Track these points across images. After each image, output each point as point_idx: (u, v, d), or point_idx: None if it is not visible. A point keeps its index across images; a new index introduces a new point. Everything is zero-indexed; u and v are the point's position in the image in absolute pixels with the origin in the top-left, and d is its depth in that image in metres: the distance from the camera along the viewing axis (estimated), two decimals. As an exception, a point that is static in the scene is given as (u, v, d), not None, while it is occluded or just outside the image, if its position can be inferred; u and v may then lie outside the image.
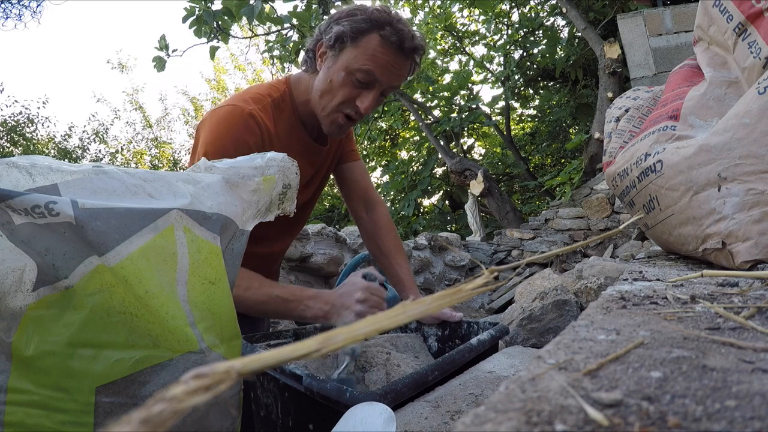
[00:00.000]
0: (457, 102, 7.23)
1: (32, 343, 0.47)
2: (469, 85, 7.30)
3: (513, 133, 8.51)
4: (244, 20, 4.09)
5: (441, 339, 1.06)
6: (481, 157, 9.64)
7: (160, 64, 4.13)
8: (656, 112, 0.88)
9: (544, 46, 6.52)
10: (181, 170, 0.71)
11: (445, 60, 8.14)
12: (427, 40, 7.26)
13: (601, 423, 0.19)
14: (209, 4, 4.00)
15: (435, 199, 8.47)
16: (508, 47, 6.86)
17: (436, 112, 7.16)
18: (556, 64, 6.12)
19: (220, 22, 4.06)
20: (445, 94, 7.09)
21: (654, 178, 0.77)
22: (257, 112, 0.93)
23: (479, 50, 11.36)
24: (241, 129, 0.90)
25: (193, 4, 3.95)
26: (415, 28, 0.99)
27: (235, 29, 4.67)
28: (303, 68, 1.02)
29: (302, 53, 1.05)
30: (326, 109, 0.96)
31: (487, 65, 7.51)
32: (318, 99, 0.96)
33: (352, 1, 4.46)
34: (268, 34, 5.14)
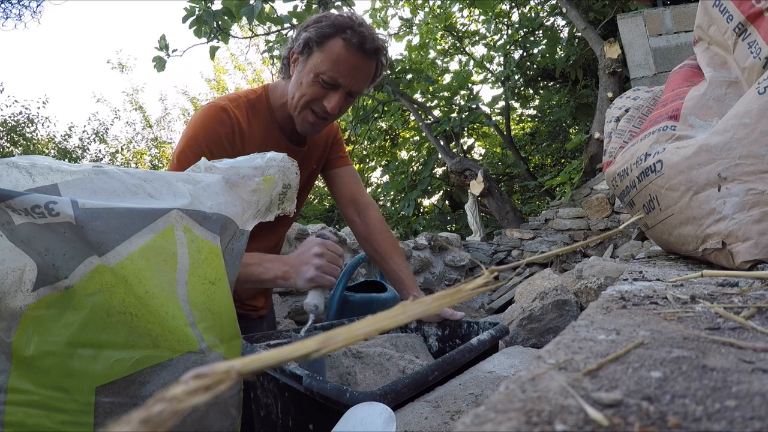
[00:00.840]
0: (457, 102, 7.23)
1: (32, 343, 0.47)
2: (469, 85, 7.30)
3: (513, 133, 8.51)
4: (244, 20, 4.09)
5: (441, 339, 1.06)
6: (481, 157, 9.64)
7: (160, 64, 4.13)
8: (656, 112, 0.88)
9: (544, 46, 6.52)
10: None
11: (445, 60, 8.14)
12: (427, 40, 7.26)
13: (601, 423, 0.19)
14: (209, 4, 4.00)
15: (435, 199, 8.47)
16: (508, 47, 6.85)
17: (436, 112, 7.15)
18: (556, 64, 6.12)
19: (220, 22, 4.06)
20: (445, 94, 7.09)
21: (654, 178, 0.77)
22: (230, 107, 1.02)
23: (479, 50, 11.35)
24: (213, 121, 0.98)
25: (193, 4, 3.95)
26: (383, 32, 1.04)
27: (235, 29, 4.67)
28: (280, 76, 1.10)
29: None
30: (297, 108, 1.02)
31: (487, 65, 7.51)
32: (290, 100, 1.03)
33: (352, 1, 4.46)
34: (268, 34, 5.14)
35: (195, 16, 3.97)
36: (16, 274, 0.47)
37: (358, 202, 1.26)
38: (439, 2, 7.20)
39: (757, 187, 0.60)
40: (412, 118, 7.47)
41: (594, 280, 1.76)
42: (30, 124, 11.52)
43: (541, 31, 6.80)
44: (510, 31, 7.09)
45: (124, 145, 14.11)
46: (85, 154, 12.72)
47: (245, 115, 1.04)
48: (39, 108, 14.30)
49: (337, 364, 0.80)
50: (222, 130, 0.98)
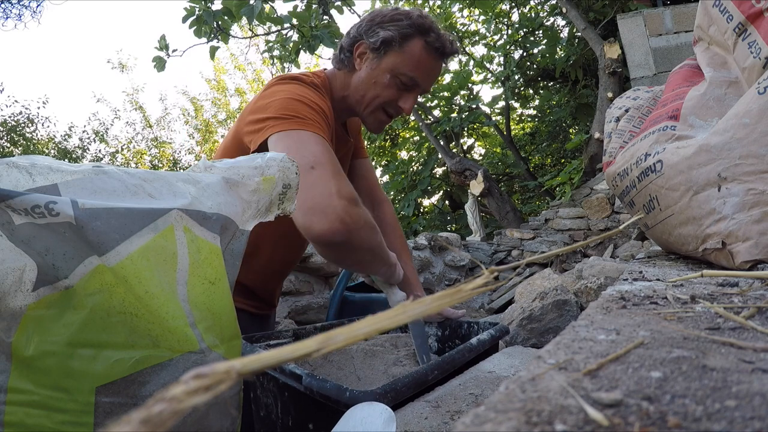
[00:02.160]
0: (457, 102, 7.22)
1: (32, 343, 0.47)
2: (469, 85, 7.29)
3: (513, 133, 8.51)
4: (244, 20, 4.09)
5: (441, 339, 1.06)
6: (481, 157, 9.64)
7: (160, 64, 4.13)
8: (656, 112, 0.88)
9: (544, 46, 6.52)
10: (182, 170, 0.71)
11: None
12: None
13: (601, 423, 0.19)
14: (209, 4, 4.00)
15: (435, 199, 8.47)
16: (508, 47, 6.85)
17: (436, 112, 7.15)
18: (556, 64, 6.12)
19: (220, 22, 4.05)
20: (445, 94, 7.08)
21: (654, 178, 0.77)
22: (317, 81, 1.01)
23: (479, 50, 11.34)
24: (312, 94, 0.94)
25: (193, 4, 3.95)
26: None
27: (235, 29, 4.66)
28: (336, 66, 1.06)
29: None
30: (370, 107, 1.01)
31: (487, 65, 7.51)
32: (360, 97, 1.02)
33: (352, 1, 4.46)
34: (268, 34, 5.14)
35: (195, 16, 3.97)
36: (16, 274, 0.47)
37: (375, 197, 1.26)
38: (439, 2, 7.20)
39: (757, 187, 0.60)
40: (412, 118, 7.47)
41: (594, 280, 1.76)
42: (30, 124, 11.53)
43: (541, 31, 6.79)
44: (510, 31, 7.09)
45: (124, 145, 14.12)
46: (85, 154, 12.72)
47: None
48: (39, 108, 14.32)
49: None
50: (323, 104, 0.94)
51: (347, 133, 1.14)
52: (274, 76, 1.03)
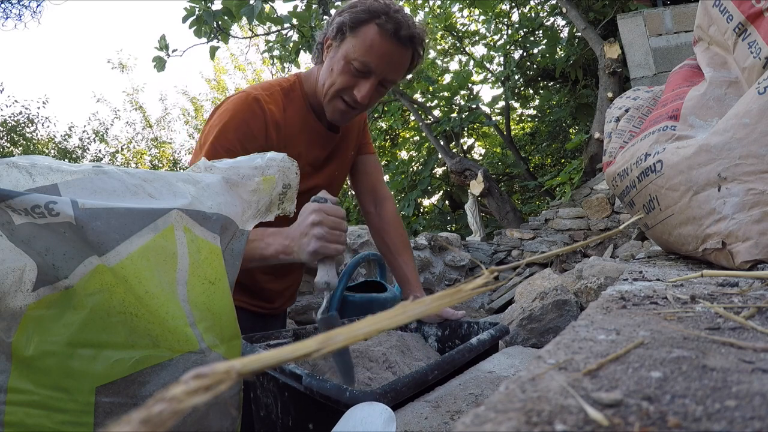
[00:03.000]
0: (457, 102, 7.22)
1: (32, 343, 0.47)
2: (469, 85, 7.30)
3: (513, 133, 8.51)
4: (244, 20, 4.09)
5: (441, 339, 1.06)
6: (481, 157, 9.64)
7: (160, 64, 4.13)
8: (656, 112, 0.88)
9: (544, 46, 6.52)
10: (181, 170, 0.71)
11: (445, 60, 8.14)
12: (427, 40, 7.25)
13: (601, 423, 0.19)
14: (209, 4, 4.00)
15: (435, 199, 8.47)
16: (508, 47, 6.85)
17: (436, 112, 7.15)
18: (556, 64, 6.12)
19: (220, 22, 4.06)
20: (445, 94, 7.09)
21: (654, 178, 0.77)
22: (263, 96, 0.99)
23: (479, 50, 11.37)
24: (245, 113, 0.95)
25: (193, 4, 3.95)
26: (418, 19, 1.03)
27: (235, 29, 4.67)
28: (313, 62, 1.08)
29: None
30: (328, 95, 1.00)
31: (487, 65, 7.51)
32: (321, 87, 1.01)
33: None
34: (268, 34, 5.14)
35: (195, 16, 3.97)
36: (16, 274, 0.47)
37: (377, 193, 1.25)
38: (439, 2, 7.20)
39: (757, 187, 0.60)
40: (412, 118, 7.47)
41: (594, 280, 1.76)
42: (30, 124, 11.53)
43: (541, 31, 6.79)
44: (510, 31, 7.09)
45: (124, 145, 14.12)
46: (85, 154, 12.72)
47: (280, 104, 1.02)
48: (39, 108, 14.31)
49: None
50: (255, 123, 0.95)
51: (334, 131, 1.12)
52: (233, 93, 1.03)
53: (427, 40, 1.01)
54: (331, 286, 0.73)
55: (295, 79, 1.07)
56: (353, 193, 1.41)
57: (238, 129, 0.93)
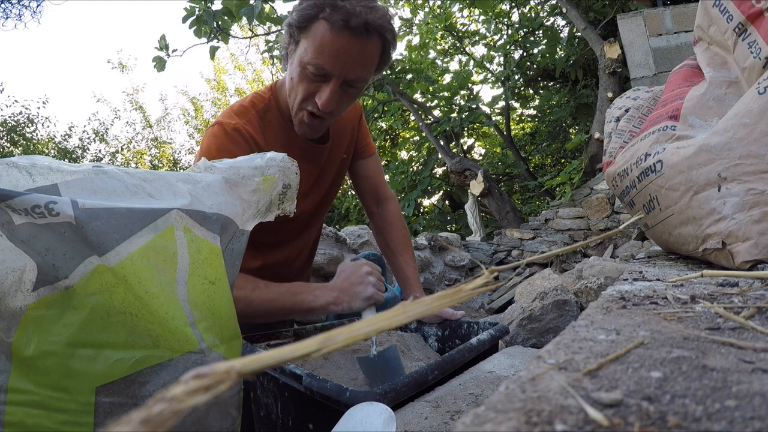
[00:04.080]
0: (457, 102, 7.23)
1: (32, 343, 0.47)
2: (469, 85, 7.30)
3: (513, 133, 8.51)
4: (244, 20, 4.09)
5: (441, 339, 1.06)
6: (481, 157, 9.64)
7: (160, 64, 4.13)
8: (656, 112, 0.88)
9: (544, 46, 6.52)
10: (181, 170, 0.71)
11: (445, 60, 8.14)
12: (427, 40, 7.26)
13: (601, 423, 0.19)
14: (209, 4, 4.00)
15: (435, 199, 8.47)
16: (508, 47, 6.85)
17: (436, 112, 7.16)
18: (556, 64, 6.12)
19: (220, 22, 4.06)
20: (445, 94, 7.09)
21: (654, 178, 0.77)
22: (242, 125, 0.92)
23: (479, 50, 11.38)
24: (228, 145, 0.89)
25: (193, 4, 3.95)
26: (391, 5, 0.93)
27: (235, 29, 4.67)
28: (284, 69, 1.00)
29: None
30: (293, 108, 0.92)
31: (487, 65, 7.51)
32: (287, 99, 0.93)
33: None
34: (268, 34, 5.14)
35: (195, 16, 3.97)
36: (16, 274, 0.47)
37: (379, 194, 1.24)
38: (439, 2, 7.20)
39: (757, 187, 0.60)
40: (412, 118, 7.47)
41: (594, 280, 1.76)
42: (30, 124, 11.52)
43: (541, 31, 6.79)
44: (510, 31, 7.09)
45: (124, 145, 14.12)
46: (85, 154, 12.72)
47: (258, 129, 0.95)
48: (39, 108, 14.30)
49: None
50: (240, 153, 0.87)
51: (321, 142, 1.05)
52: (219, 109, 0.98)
53: (391, 21, 0.85)
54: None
55: (270, 95, 0.99)
56: (353, 193, 1.40)
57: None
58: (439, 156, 6.72)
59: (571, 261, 3.94)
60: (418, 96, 7.25)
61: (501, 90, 6.86)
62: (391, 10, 0.88)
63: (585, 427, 0.19)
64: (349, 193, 7.50)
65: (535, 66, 7.00)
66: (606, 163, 1.02)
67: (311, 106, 0.89)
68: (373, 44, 0.84)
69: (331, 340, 0.20)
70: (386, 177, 7.51)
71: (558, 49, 6.40)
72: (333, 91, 0.85)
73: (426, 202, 8.67)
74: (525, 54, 6.95)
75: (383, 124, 8.05)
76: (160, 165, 13.88)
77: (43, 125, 12.05)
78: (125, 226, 0.50)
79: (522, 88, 7.52)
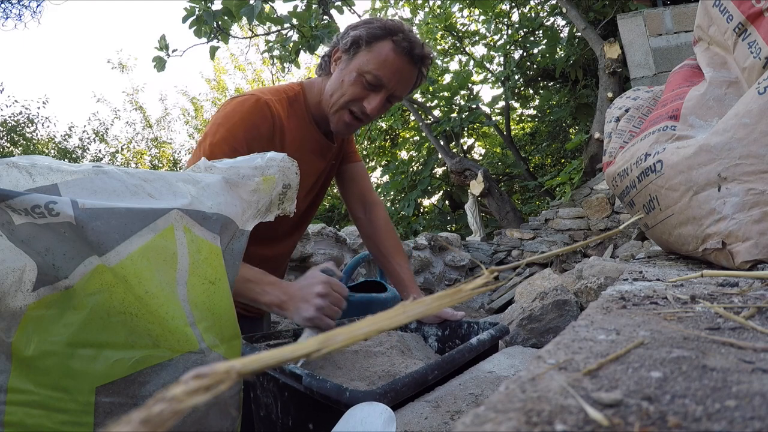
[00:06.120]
0: (457, 102, 7.23)
1: (32, 343, 0.47)
2: (469, 85, 7.30)
3: (513, 133, 8.51)
4: (244, 20, 4.09)
5: (441, 339, 1.06)
6: (481, 157, 9.65)
7: (160, 64, 4.13)
8: (656, 112, 0.88)
9: (544, 46, 6.53)
10: (181, 170, 0.71)
11: (445, 60, 8.14)
12: (427, 40, 7.26)
13: (601, 423, 0.19)
14: (209, 4, 4.00)
15: (435, 199, 8.47)
16: (508, 47, 6.86)
17: (436, 112, 7.16)
18: (556, 64, 6.12)
19: (220, 22, 4.06)
20: (445, 94, 7.09)
21: (654, 178, 0.77)
22: (273, 102, 0.99)
23: (479, 50, 11.37)
24: (254, 114, 0.95)
25: (193, 4, 3.95)
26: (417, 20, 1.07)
27: (235, 29, 4.67)
28: (318, 72, 1.09)
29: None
30: (335, 106, 1.01)
31: (487, 65, 7.51)
32: (329, 97, 1.02)
33: (351, 1, 4.46)
34: (268, 34, 5.14)
35: (195, 16, 3.97)
36: (16, 274, 0.47)
37: (366, 200, 1.26)
38: (439, 2, 7.20)
39: (757, 187, 0.60)
40: (412, 118, 7.47)
41: (594, 280, 1.76)
42: (30, 124, 11.52)
43: (541, 31, 6.80)
44: (510, 31, 7.09)
45: (124, 145, 14.12)
46: (85, 154, 12.72)
47: (286, 111, 1.02)
48: (39, 108, 14.29)
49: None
50: (263, 125, 0.95)
51: (331, 140, 1.13)
52: (234, 97, 1.02)
53: (431, 63, 1.05)
54: (312, 335, 0.78)
55: (299, 89, 1.08)
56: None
57: (248, 130, 0.93)
58: (439, 156, 6.72)
59: (571, 261, 3.94)
60: (418, 96, 7.25)
61: (501, 90, 6.86)
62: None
63: (585, 427, 0.19)
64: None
65: (535, 66, 7.00)
66: (606, 163, 1.02)
67: (356, 108, 1.00)
68: (416, 73, 1.02)
69: (331, 340, 0.20)
70: (386, 177, 7.54)
71: (558, 49, 6.40)
72: (381, 101, 0.99)
73: (426, 202, 8.68)
74: (525, 54, 6.96)
75: (383, 124, 8.06)
76: (160, 165, 13.87)
77: (43, 125, 12.05)
78: (125, 226, 0.50)
79: (522, 88, 7.53)
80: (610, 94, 4.63)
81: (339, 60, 1.01)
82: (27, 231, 0.47)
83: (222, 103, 1.03)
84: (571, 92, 6.46)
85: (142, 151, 14.25)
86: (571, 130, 7.44)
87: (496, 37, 7.45)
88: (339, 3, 4.55)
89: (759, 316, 0.36)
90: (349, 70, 0.98)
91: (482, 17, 7.46)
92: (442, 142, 6.41)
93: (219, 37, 4.25)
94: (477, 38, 7.86)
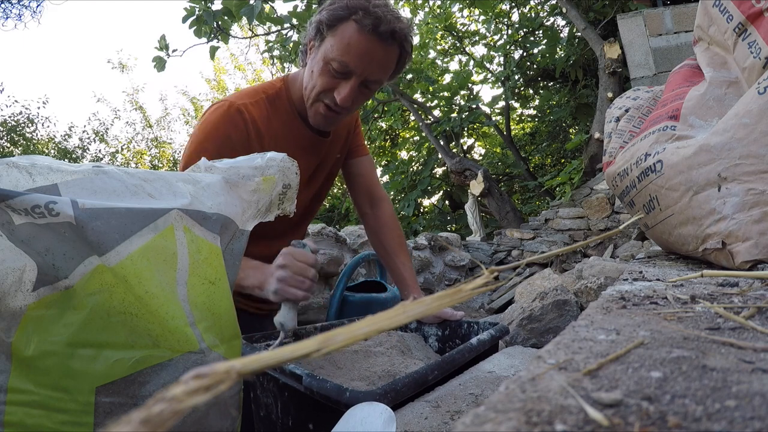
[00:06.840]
0: (457, 102, 7.23)
1: (32, 343, 0.47)
2: (469, 85, 7.30)
3: (513, 133, 8.52)
4: (244, 20, 4.09)
5: (441, 339, 1.06)
6: (481, 157, 9.65)
7: (160, 64, 4.13)
8: (656, 112, 0.88)
9: (544, 46, 6.53)
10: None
11: (445, 60, 8.15)
12: (427, 40, 7.25)
13: (601, 423, 0.19)
14: (209, 4, 4.00)
15: (435, 199, 8.47)
16: (508, 47, 6.86)
17: (436, 112, 7.16)
18: (556, 64, 6.12)
19: (220, 22, 4.06)
20: (445, 94, 7.09)
21: (654, 178, 0.77)
22: (247, 106, 0.95)
23: (479, 50, 11.39)
24: (225, 124, 0.92)
25: (193, 4, 3.95)
26: (403, 13, 0.99)
27: (235, 29, 4.67)
28: (300, 65, 1.04)
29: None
30: (310, 99, 0.96)
31: (487, 65, 7.52)
32: (305, 90, 0.97)
33: (352, 1, 4.45)
34: (268, 34, 5.14)
35: (195, 16, 3.97)
36: (16, 274, 0.47)
37: (373, 195, 1.24)
38: (439, 2, 7.20)
39: (757, 187, 0.60)
40: (412, 118, 7.47)
41: (594, 280, 1.76)
42: (30, 124, 11.53)
43: (541, 31, 6.80)
44: (510, 31, 7.09)
45: (124, 145, 14.12)
46: (85, 154, 12.73)
47: (264, 113, 0.98)
48: (39, 108, 14.30)
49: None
50: (235, 134, 0.92)
51: (323, 135, 1.08)
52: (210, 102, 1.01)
53: (412, 35, 0.94)
54: (284, 327, 0.76)
55: (281, 85, 1.03)
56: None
57: (217, 141, 0.91)
58: (439, 156, 6.72)
59: (571, 261, 3.94)
60: (418, 96, 7.25)
61: (501, 90, 6.86)
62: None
63: (585, 427, 0.19)
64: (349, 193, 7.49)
65: (535, 66, 7.00)
66: (606, 163, 1.02)
67: (328, 99, 0.93)
68: (394, 51, 0.91)
69: (331, 340, 0.20)
70: (386, 177, 7.55)
71: (558, 49, 6.40)
72: (352, 89, 0.90)
73: (426, 202, 8.68)
74: (525, 54, 6.96)
75: (383, 124, 8.06)
76: (160, 165, 13.87)
77: (43, 125, 12.06)
78: (125, 226, 0.50)
79: (522, 88, 7.53)
80: (610, 94, 4.63)
81: (312, 48, 0.94)
82: (27, 231, 0.47)
83: (206, 108, 1.01)
84: (571, 92, 6.46)
85: (142, 151, 14.25)
86: (571, 130, 7.44)
87: (496, 37, 7.46)
88: (339, 3, 4.54)
89: (759, 316, 0.36)
90: (317, 59, 0.91)
91: (482, 17, 7.46)
92: (442, 142, 6.41)
93: (219, 37, 4.25)
94: (477, 38, 7.86)
